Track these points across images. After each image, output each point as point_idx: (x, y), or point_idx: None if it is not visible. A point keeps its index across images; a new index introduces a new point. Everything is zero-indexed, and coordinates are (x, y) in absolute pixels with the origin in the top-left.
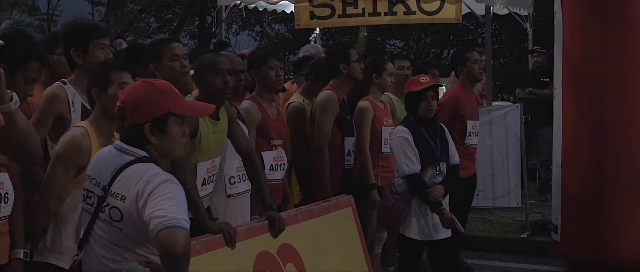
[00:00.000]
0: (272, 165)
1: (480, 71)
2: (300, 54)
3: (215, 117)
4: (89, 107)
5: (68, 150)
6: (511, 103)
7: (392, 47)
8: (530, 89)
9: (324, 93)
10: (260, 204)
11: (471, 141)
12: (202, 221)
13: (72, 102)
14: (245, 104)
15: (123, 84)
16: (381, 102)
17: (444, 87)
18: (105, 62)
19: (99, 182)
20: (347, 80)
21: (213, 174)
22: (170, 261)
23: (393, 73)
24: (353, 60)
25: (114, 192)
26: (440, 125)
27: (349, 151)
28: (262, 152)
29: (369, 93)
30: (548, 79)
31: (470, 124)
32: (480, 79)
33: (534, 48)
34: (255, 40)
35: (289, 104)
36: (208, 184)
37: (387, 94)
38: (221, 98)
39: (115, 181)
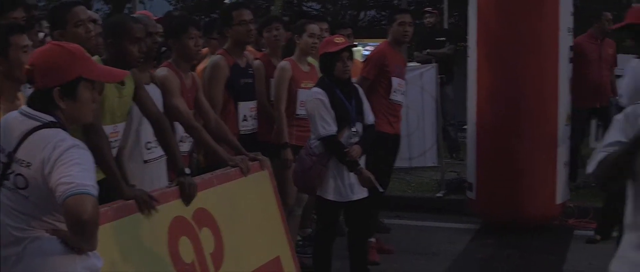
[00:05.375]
0: (181, 136)
1: (404, 33)
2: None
3: (120, 81)
4: None
5: None
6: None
7: (309, 8)
8: (428, 50)
9: (212, 59)
10: (173, 170)
11: (396, 97)
12: (116, 186)
13: None
14: (163, 71)
15: (24, 48)
16: (308, 65)
17: (361, 48)
18: (3, 25)
19: (3, 149)
20: (236, 43)
21: (116, 140)
22: (77, 228)
23: (315, 34)
24: (236, 23)
25: (19, 159)
26: (355, 86)
27: (244, 115)
28: (173, 123)
29: (294, 54)
30: (443, 38)
31: (395, 81)
32: (404, 41)
33: (426, 9)
34: (171, 4)
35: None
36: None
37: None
38: (133, 65)
39: (21, 147)
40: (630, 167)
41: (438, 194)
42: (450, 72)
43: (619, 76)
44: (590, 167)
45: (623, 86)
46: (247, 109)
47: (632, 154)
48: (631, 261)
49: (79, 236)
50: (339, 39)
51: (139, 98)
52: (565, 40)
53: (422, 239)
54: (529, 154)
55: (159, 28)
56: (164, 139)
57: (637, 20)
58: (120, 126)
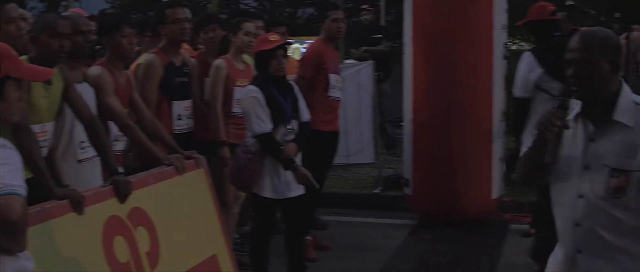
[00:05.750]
0: (116, 135)
1: (338, 30)
2: None
3: (47, 80)
4: None
5: None
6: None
7: (246, 6)
8: (364, 47)
9: (147, 58)
10: (106, 170)
11: (334, 93)
12: (45, 186)
13: None
14: (97, 70)
15: None
16: (243, 63)
17: (300, 46)
18: None
19: None
20: (171, 41)
21: (45, 139)
22: (6, 228)
23: (251, 32)
24: (171, 22)
25: None
26: (290, 83)
27: (179, 115)
28: (107, 122)
29: (229, 52)
30: (380, 35)
31: (333, 77)
32: (338, 37)
33: (363, 6)
34: (107, 1)
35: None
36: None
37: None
38: (55, 62)
39: None
40: (542, 164)
41: (375, 191)
42: (387, 69)
43: None
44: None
45: (517, 77)
46: (181, 108)
47: (539, 149)
48: (555, 254)
49: (8, 236)
50: (273, 37)
51: (70, 98)
52: (500, 37)
53: (360, 235)
54: (464, 150)
55: (92, 26)
56: (96, 139)
57: (535, 17)
58: (49, 125)
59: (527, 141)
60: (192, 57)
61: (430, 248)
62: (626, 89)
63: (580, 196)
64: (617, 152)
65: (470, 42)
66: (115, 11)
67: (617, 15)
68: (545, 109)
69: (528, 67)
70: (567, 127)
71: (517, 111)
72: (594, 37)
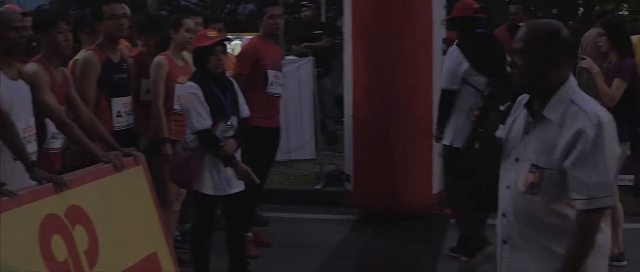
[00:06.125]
0: (53, 133)
1: (276, 26)
2: None
3: None
4: None
5: None
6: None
7: (186, 2)
8: (305, 43)
9: (84, 55)
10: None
11: (274, 89)
12: None
13: None
14: (32, 67)
15: None
16: (183, 60)
17: (240, 42)
18: None
19: None
20: (108, 38)
21: None
22: None
23: (192, 29)
24: (107, 18)
25: None
26: (230, 79)
27: (118, 111)
28: (44, 119)
29: (169, 49)
30: (321, 31)
31: (271, 73)
32: (276, 33)
33: (303, 2)
34: None
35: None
36: None
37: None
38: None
39: None
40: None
41: (317, 186)
42: (328, 65)
43: None
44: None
45: (443, 70)
46: (120, 104)
47: (486, 113)
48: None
49: None
50: (212, 33)
51: None
52: (439, 33)
53: (301, 231)
54: (404, 146)
55: (27, 22)
56: (7, 135)
57: (459, 14)
58: None
59: (450, 131)
60: (131, 56)
61: (372, 243)
62: (569, 86)
63: (508, 187)
64: (539, 148)
65: (409, 38)
66: (52, 7)
67: (554, 11)
68: (469, 102)
69: (456, 61)
70: (485, 117)
71: (443, 103)
72: (537, 29)
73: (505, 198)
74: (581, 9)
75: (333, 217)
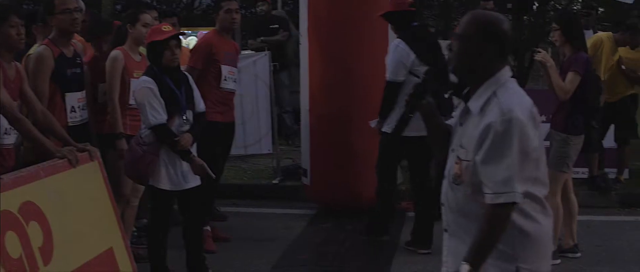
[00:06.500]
0: (6, 129)
1: (232, 21)
2: None
3: None
4: None
5: None
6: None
7: None
8: (261, 38)
9: (37, 50)
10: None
11: (228, 85)
12: None
13: None
14: None
15: None
16: (140, 55)
17: (194, 37)
18: None
19: None
20: (61, 32)
21: None
22: None
23: (149, 24)
24: (59, 12)
25: None
26: (185, 74)
27: (72, 107)
28: None
29: (125, 43)
30: (277, 26)
31: (225, 69)
32: (232, 28)
33: None
34: None
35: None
36: None
37: None
38: None
39: None
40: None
41: (274, 181)
42: (284, 59)
43: None
44: None
45: (388, 62)
46: (75, 99)
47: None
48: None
49: None
50: (166, 28)
51: None
52: None
53: (259, 225)
54: (361, 139)
55: None
56: None
57: (394, 8)
58: None
59: (393, 120)
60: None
61: (329, 237)
62: (498, 78)
63: (444, 177)
64: (463, 140)
65: (365, 33)
66: (3, 1)
67: (508, 5)
68: None
69: (403, 53)
70: (417, 103)
71: (388, 94)
72: (475, 18)
73: (443, 188)
74: (536, 4)
75: (290, 211)
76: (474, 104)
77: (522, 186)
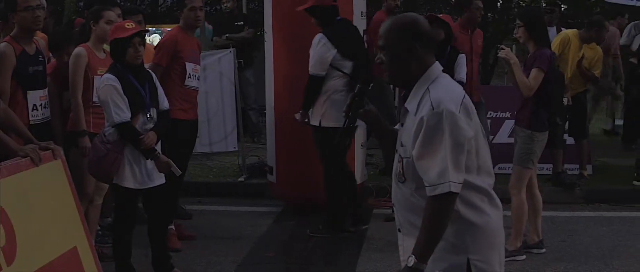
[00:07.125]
0: None
1: (196, 18)
2: None
3: None
4: None
5: None
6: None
7: None
8: (227, 35)
9: None
10: None
11: (191, 83)
12: None
13: None
14: None
15: None
16: (104, 52)
17: (158, 34)
18: None
19: None
20: (23, 29)
21: None
22: None
23: (113, 21)
24: (21, 9)
25: None
26: (148, 71)
27: (34, 105)
28: None
29: (89, 40)
30: (242, 23)
31: (190, 66)
32: (196, 25)
33: None
34: None
35: None
36: None
37: None
38: None
39: None
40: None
41: (240, 179)
42: (250, 56)
43: None
44: None
45: (311, 57)
46: (36, 97)
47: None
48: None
49: None
50: (129, 25)
51: None
52: (359, 24)
53: (225, 223)
54: None
55: None
56: None
57: (320, 2)
58: None
59: (318, 112)
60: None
61: (295, 234)
62: (429, 74)
63: (392, 178)
64: (403, 139)
65: None
66: None
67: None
68: (336, 85)
69: (325, 49)
70: (359, 114)
71: (312, 88)
72: (391, 25)
73: (392, 188)
74: (500, 2)
75: (256, 209)
76: (411, 103)
77: (458, 176)
